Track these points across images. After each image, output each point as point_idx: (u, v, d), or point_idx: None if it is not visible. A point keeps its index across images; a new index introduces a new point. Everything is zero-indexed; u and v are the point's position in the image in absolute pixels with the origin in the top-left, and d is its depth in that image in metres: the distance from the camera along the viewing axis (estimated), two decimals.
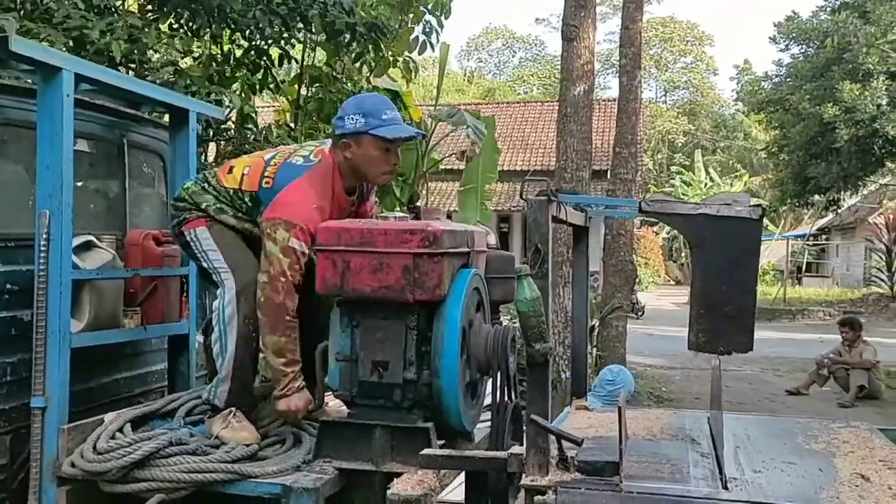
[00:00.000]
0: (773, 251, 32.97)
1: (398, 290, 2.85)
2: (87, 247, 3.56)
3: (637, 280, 13.80)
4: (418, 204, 3.31)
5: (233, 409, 3.22)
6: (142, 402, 3.74)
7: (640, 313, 17.41)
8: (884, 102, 17.68)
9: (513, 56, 61.29)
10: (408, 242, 2.86)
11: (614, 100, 19.11)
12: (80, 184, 3.87)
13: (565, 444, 2.61)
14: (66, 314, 3.20)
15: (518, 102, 35.50)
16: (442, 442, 3.00)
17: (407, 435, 2.92)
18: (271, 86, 8.45)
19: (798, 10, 34.87)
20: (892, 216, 23.83)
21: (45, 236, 3.13)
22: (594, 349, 9.13)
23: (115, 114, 4.04)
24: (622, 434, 2.48)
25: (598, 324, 9.40)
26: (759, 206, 2.64)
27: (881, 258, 23.87)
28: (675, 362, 12.82)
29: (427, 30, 9.31)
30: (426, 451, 2.77)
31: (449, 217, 3.51)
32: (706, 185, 37.45)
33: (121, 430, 3.18)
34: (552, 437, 2.58)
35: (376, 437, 2.93)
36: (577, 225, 3.51)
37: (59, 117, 3.17)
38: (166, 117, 4.37)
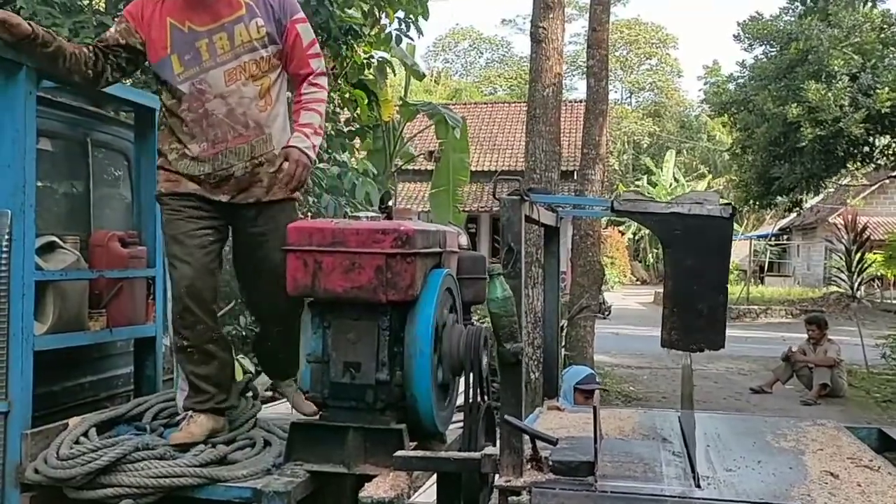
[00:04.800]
0: (736, 251, 33.42)
1: (370, 290, 2.82)
2: (50, 248, 3.47)
3: (604, 280, 13.88)
4: (390, 204, 3.26)
5: (189, 412, 3.20)
6: (107, 407, 3.67)
7: (606, 313, 17.55)
8: (846, 103, 17.96)
9: (479, 57, 61.44)
10: (380, 242, 2.83)
11: (581, 101, 19.23)
12: (42, 183, 3.78)
13: (539, 444, 2.60)
14: (29, 316, 3.11)
15: (485, 103, 35.54)
16: (413, 444, 2.98)
17: (380, 436, 2.88)
18: None
19: (762, 10, 35.24)
20: (850, 217, 24.21)
21: (6, 237, 3.04)
22: (563, 349, 9.16)
23: (78, 112, 3.96)
24: (597, 433, 2.47)
25: (566, 324, 9.43)
26: (730, 204, 2.65)
27: (841, 258, 24.26)
28: (641, 361, 12.95)
29: (401, 27, 9.29)
30: (400, 452, 2.75)
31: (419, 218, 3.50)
32: (671, 185, 37.95)
33: (85, 434, 3.12)
34: (526, 437, 2.57)
35: (349, 438, 2.90)
36: (548, 225, 3.52)
37: (21, 114, 3.08)
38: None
